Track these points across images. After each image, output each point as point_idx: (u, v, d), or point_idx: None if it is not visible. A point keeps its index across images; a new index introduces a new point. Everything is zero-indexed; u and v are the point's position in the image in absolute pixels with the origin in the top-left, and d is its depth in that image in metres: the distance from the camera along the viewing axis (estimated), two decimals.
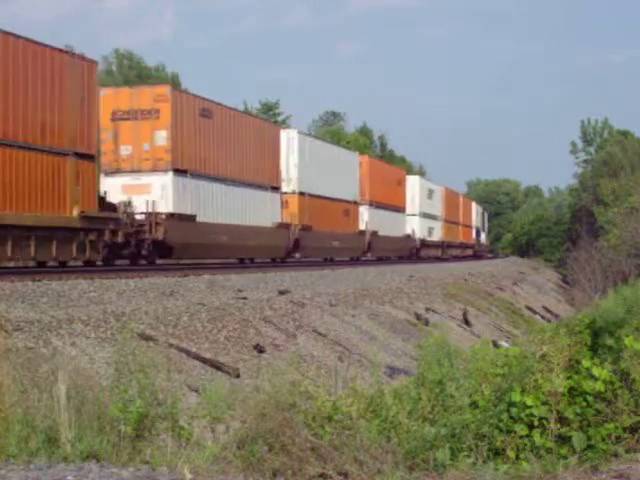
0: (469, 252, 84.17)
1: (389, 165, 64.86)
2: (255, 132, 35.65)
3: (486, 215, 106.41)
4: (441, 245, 69.30)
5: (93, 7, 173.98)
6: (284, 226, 37.50)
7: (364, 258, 49.80)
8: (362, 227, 48.66)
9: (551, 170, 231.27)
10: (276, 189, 37.36)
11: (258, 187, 35.30)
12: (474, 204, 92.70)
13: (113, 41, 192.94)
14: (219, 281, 21.03)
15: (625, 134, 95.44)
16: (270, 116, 75.06)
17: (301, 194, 39.55)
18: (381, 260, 51.21)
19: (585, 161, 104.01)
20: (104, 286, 16.78)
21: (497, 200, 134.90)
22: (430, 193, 66.85)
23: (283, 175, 38.24)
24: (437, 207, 68.86)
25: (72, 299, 14.11)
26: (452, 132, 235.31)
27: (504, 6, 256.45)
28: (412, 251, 59.88)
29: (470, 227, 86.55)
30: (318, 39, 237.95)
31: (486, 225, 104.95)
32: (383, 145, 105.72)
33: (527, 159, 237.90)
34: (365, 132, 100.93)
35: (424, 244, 62.84)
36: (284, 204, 37.93)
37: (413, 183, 62.85)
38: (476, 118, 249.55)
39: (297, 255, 39.63)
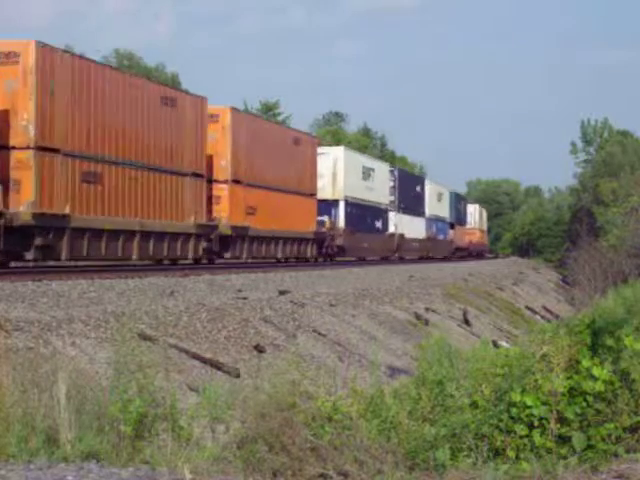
0: (284, 253, 36.46)
1: None
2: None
3: (448, 195, 71.64)
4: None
5: (93, 6, 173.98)
6: None
7: None
8: None
9: (551, 170, 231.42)
10: None
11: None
12: (349, 152, 47.35)
13: (112, 41, 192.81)
14: (219, 281, 21.02)
15: (625, 134, 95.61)
16: (270, 116, 74.99)
17: None
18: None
19: (585, 161, 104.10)
20: (104, 286, 16.78)
21: (497, 200, 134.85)
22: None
23: None
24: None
25: (72, 299, 14.10)
26: (452, 132, 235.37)
27: (503, 5, 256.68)
28: None
29: (312, 196, 39.93)
30: (318, 38, 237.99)
31: (467, 214, 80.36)
32: (383, 145, 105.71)
33: (527, 159, 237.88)
34: (366, 132, 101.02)
35: None
36: None
37: None
38: (476, 118, 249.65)
39: None
